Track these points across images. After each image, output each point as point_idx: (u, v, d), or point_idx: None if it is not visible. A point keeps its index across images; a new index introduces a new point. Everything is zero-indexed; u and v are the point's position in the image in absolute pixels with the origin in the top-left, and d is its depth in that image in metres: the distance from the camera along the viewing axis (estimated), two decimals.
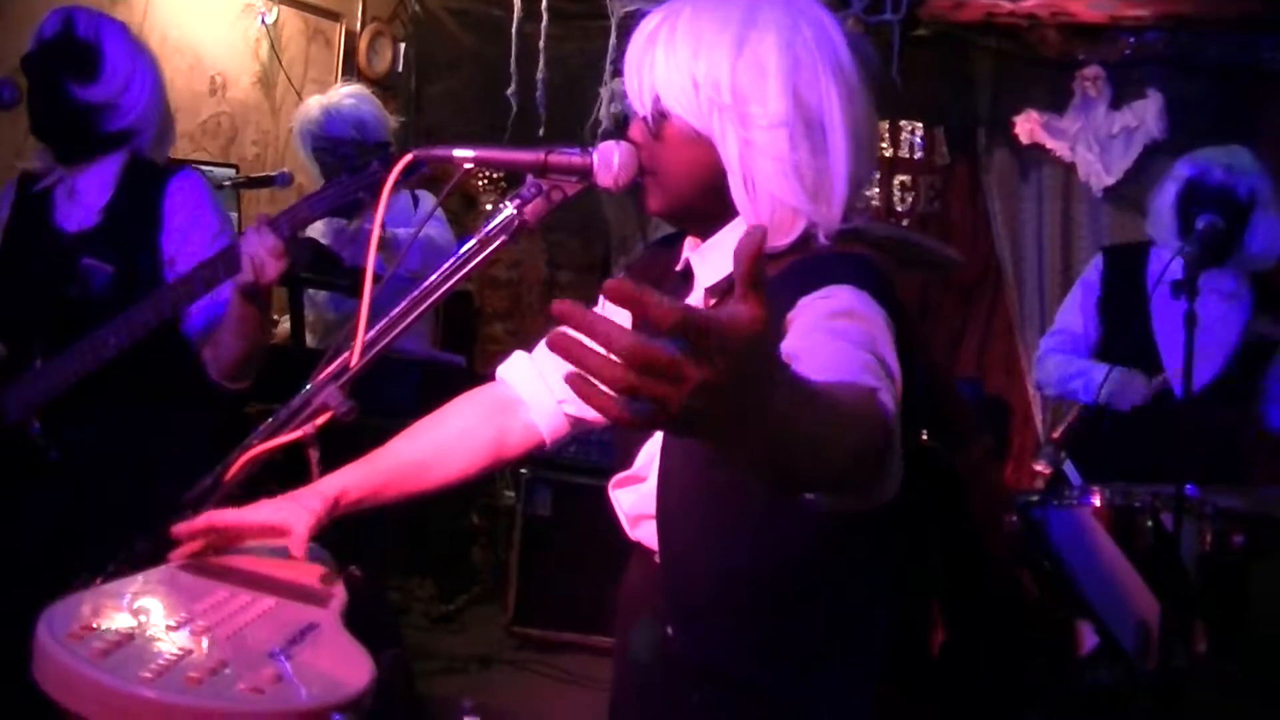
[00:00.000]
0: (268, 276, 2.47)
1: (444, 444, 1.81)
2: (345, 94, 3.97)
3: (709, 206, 1.59)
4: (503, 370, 1.87)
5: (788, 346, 1.34)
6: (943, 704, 1.61)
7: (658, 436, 1.59)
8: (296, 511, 1.66)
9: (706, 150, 1.54)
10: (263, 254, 2.45)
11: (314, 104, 3.98)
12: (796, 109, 1.50)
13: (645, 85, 1.55)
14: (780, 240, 1.54)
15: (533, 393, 1.82)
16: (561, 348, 0.87)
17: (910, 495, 1.34)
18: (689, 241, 1.69)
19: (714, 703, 1.58)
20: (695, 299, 1.65)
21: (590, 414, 1.80)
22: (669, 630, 1.61)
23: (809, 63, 1.51)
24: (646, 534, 1.63)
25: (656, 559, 1.62)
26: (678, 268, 1.70)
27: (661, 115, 1.55)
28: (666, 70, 1.52)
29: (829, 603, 1.56)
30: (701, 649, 1.58)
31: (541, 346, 1.84)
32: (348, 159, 3.59)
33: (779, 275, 1.50)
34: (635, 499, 1.64)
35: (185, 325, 2.71)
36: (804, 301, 1.42)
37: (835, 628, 1.55)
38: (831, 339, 1.32)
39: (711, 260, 1.62)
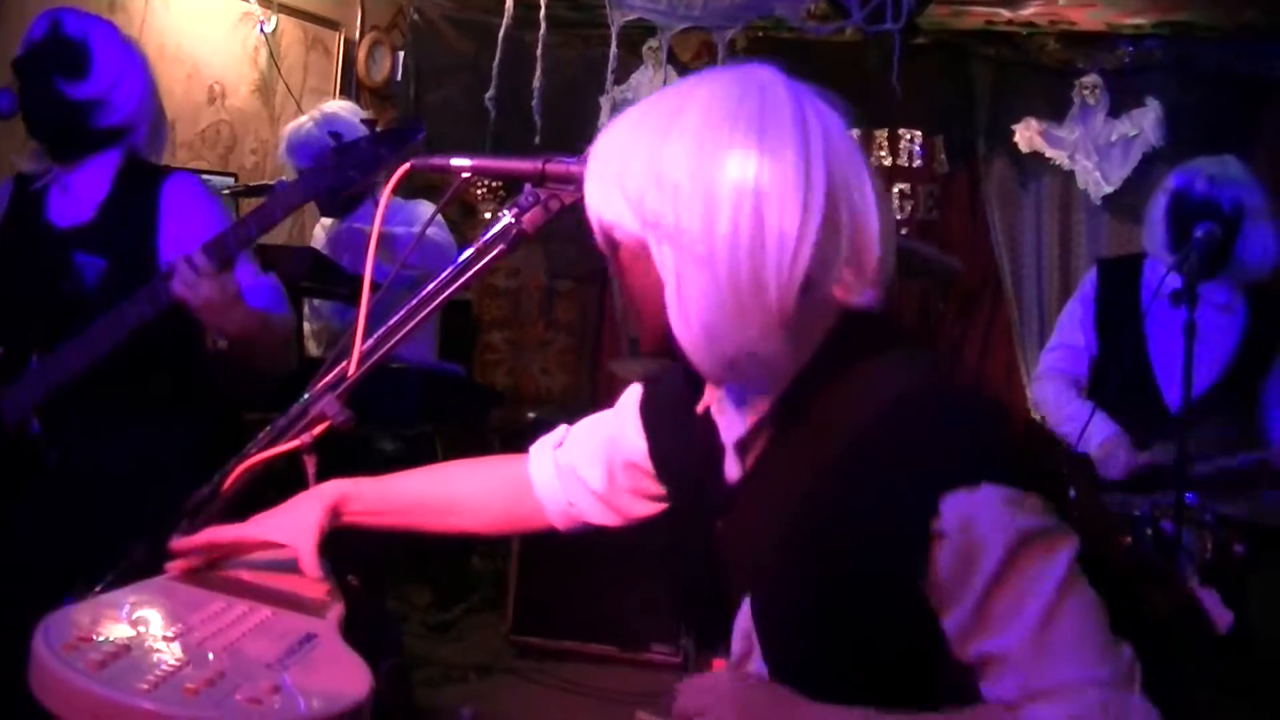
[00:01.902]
0: (197, 297, 2.47)
1: (464, 499, 1.83)
2: (305, 120, 3.99)
3: None
4: (531, 455, 1.87)
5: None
6: None
7: (745, 613, 1.49)
8: (300, 530, 1.67)
9: (653, 266, 1.36)
10: (190, 275, 2.47)
11: (282, 137, 4.03)
12: (717, 225, 1.29)
13: (592, 208, 1.41)
14: (711, 374, 1.40)
15: (547, 487, 1.83)
16: None
17: None
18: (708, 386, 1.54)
19: None
20: (730, 452, 1.53)
21: (596, 521, 1.82)
22: None
23: (739, 146, 1.30)
24: None
25: None
26: (699, 409, 1.55)
27: (612, 242, 1.41)
28: (599, 190, 1.38)
29: None
30: None
31: (574, 434, 1.84)
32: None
33: (869, 428, 1.34)
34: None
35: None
36: (914, 493, 1.29)
37: None
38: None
39: (728, 412, 1.51)
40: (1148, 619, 1.58)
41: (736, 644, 1.50)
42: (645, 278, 1.37)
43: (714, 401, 1.54)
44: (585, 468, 1.80)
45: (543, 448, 1.86)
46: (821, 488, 1.36)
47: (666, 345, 1.38)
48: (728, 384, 1.49)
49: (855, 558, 1.33)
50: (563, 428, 1.87)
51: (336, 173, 2.49)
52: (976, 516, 1.28)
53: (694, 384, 1.54)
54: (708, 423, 1.55)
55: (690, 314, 1.33)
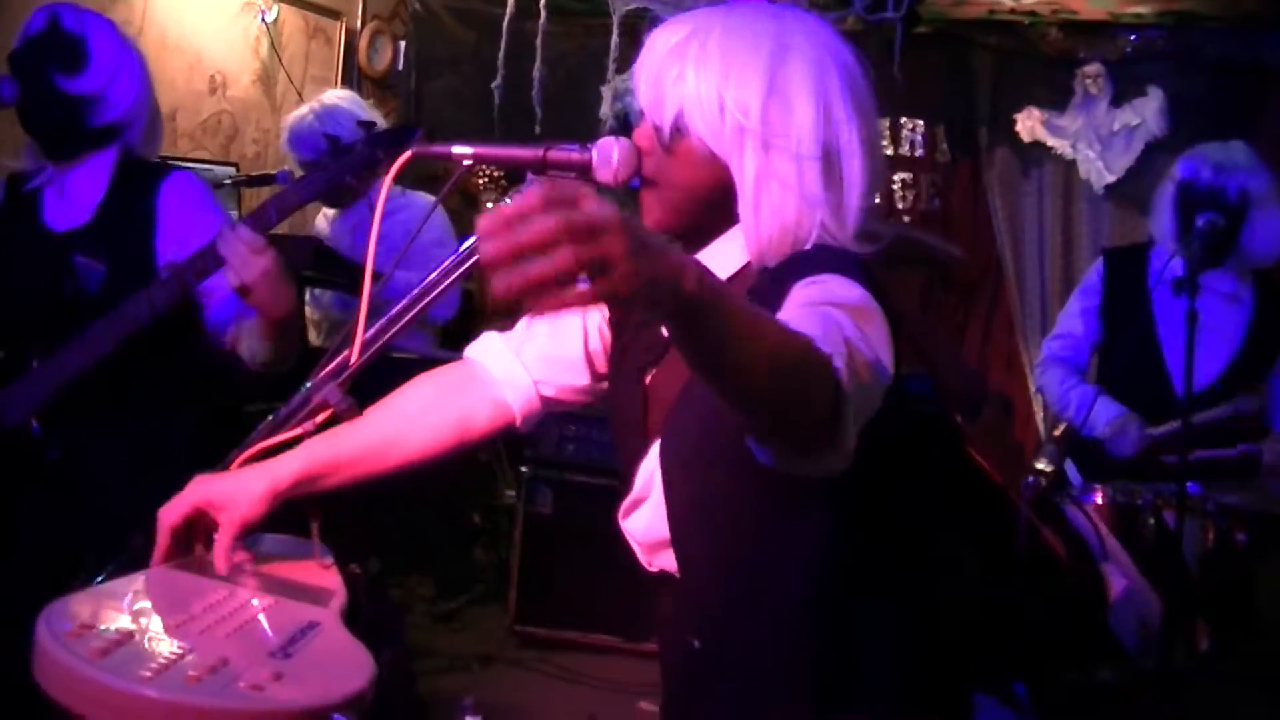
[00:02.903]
0: (250, 273, 2.44)
1: (404, 424, 1.78)
2: (306, 112, 3.98)
3: (704, 222, 1.60)
4: (471, 350, 1.86)
5: None
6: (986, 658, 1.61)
7: (654, 453, 1.58)
8: (236, 505, 1.63)
9: (717, 172, 1.55)
10: (241, 250, 2.43)
11: (284, 128, 4.03)
12: (819, 148, 1.52)
13: (669, 99, 1.55)
14: (771, 260, 1.55)
15: (506, 371, 1.81)
16: (500, 253, 0.94)
17: (922, 468, 1.39)
18: None
19: (743, 711, 1.59)
20: None
21: (566, 393, 1.83)
22: (695, 644, 1.61)
23: (835, 101, 1.53)
24: (667, 560, 1.62)
25: (677, 575, 1.62)
26: None
27: (679, 131, 1.55)
28: (695, 88, 1.53)
29: (846, 602, 1.56)
30: (725, 658, 1.59)
31: (517, 328, 1.85)
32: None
33: (776, 269, 1.52)
34: (646, 521, 1.63)
35: (207, 319, 2.71)
36: (794, 289, 1.42)
37: (855, 627, 1.55)
38: (811, 317, 1.31)
39: None
40: (1040, 555, 1.68)
41: (637, 486, 1.61)
42: (700, 171, 1.55)
43: None
44: (558, 335, 1.81)
45: (490, 343, 1.85)
46: None
47: (673, 226, 1.58)
48: (711, 248, 1.61)
49: None
50: (491, 334, 1.87)
51: (332, 175, 2.48)
52: (831, 282, 1.42)
53: None
54: None
55: (764, 206, 1.53)
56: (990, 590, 1.59)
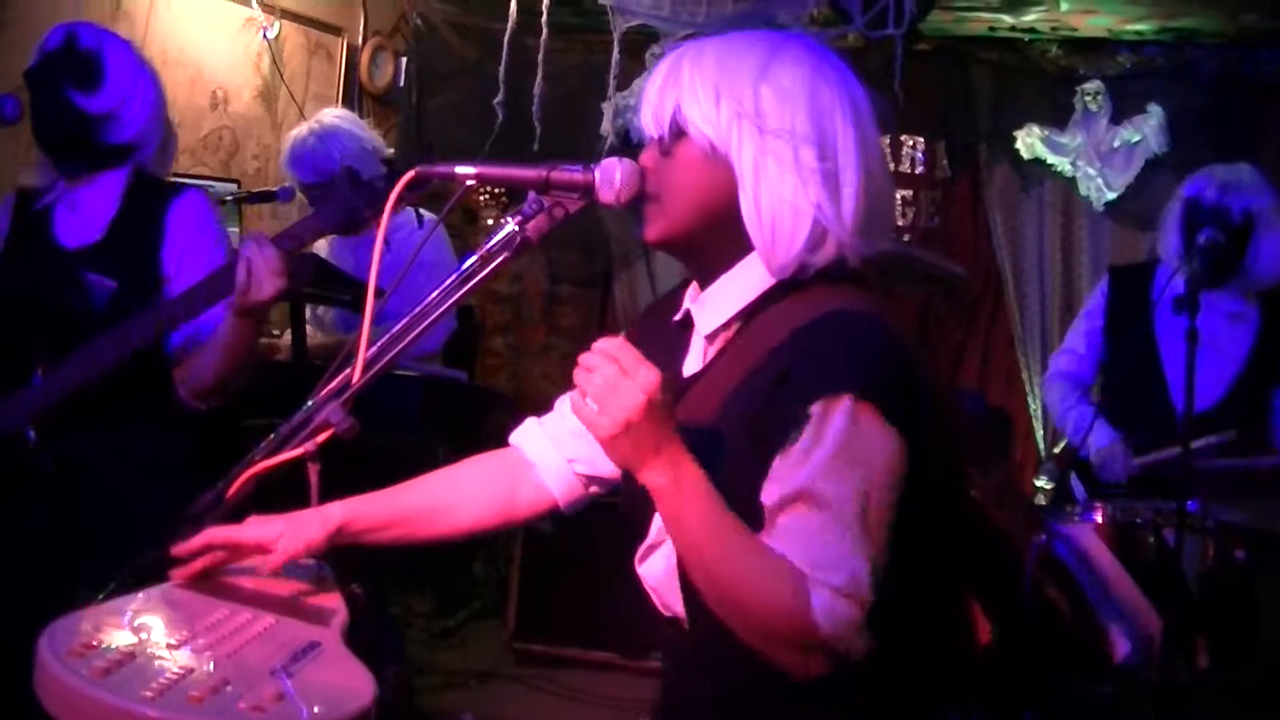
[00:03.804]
0: (264, 293, 2.45)
1: (455, 496, 1.84)
2: (305, 133, 3.97)
3: (709, 239, 1.59)
4: (514, 436, 1.90)
5: (769, 496, 1.46)
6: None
7: None
8: (293, 537, 1.69)
9: (719, 173, 1.55)
10: (261, 268, 2.44)
11: (284, 148, 4.03)
12: (813, 133, 1.53)
13: (667, 100, 1.57)
14: (780, 256, 1.55)
15: (541, 453, 1.85)
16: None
17: (941, 533, 1.51)
18: (690, 290, 1.71)
19: None
20: (695, 349, 1.68)
21: (601, 470, 1.83)
22: (708, 689, 1.63)
23: (828, 98, 1.55)
24: (680, 606, 1.63)
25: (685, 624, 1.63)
26: (676, 318, 1.72)
27: (679, 131, 1.57)
28: (691, 84, 1.55)
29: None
30: (741, 707, 1.60)
31: (553, 410, 1.88)
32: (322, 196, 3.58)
33: (798, 331, 1.51)
34: (660, 567, 1.63)
35: (167, 344, 2.71)
36: (800, 390, 1.46)
37: (870, 676, 1.56)
38: (804, 521, 1.42)
39: (712, 307, 1.63)
40: (1051, 613, 1.75)
41: (652, 533, 1.63)
42: (701, 171, 1.56)
43: (695, 301, 1.67)
44: None
45: (527, 426, 1.89)
46: (745, 380, 1.54)
47: (675, 236, 1.60)
48: (721, 281, 1.62)
49: (750, 440, 1.50)
50: (530, 420, 1.90)
51: (349, 207, 2.48)
52: (835, 421, 1.44)
53: (677, 299, 1.74)
54: (682, 326, 1.71)
55: (764, 187, 1.53)
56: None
